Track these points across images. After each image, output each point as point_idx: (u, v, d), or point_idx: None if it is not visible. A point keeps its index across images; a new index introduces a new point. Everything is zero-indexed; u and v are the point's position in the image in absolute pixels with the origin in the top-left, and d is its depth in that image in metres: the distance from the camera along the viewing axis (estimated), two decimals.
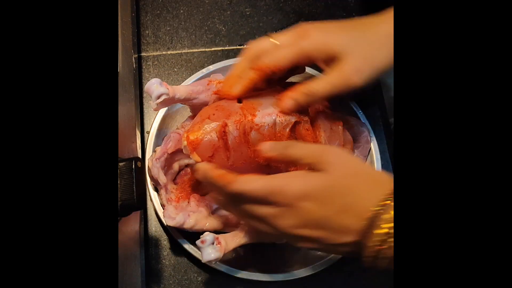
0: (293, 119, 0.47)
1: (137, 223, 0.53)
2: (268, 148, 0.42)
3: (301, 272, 0.52)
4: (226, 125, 0.46)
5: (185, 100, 0.51)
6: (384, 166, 0.58)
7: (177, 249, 0.54)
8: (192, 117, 0.54)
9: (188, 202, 0.51)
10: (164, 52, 0.66)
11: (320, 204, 0.37)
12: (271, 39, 0.47)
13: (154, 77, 0.63)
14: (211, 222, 0.50)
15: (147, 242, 0.55)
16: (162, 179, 0.51)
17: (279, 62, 0.45)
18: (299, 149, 0.40)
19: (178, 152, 0.52)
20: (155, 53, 0.66)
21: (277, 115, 0.47)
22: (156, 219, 0.56)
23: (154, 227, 0.56)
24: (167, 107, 0.57)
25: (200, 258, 0.47)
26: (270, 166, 0.48)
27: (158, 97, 0.47)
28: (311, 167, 0.39)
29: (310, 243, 0.39)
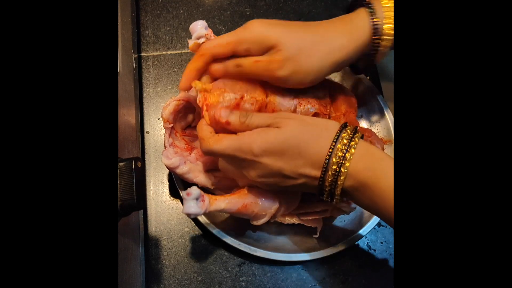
0: (312, 109, 0.49)
1: (137, 223, 0.53)
2: (224, 115, 0.46)
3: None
4: (243, 97, 0.47)
5: None
6: None
7: (178, 246, 0.55)
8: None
9: (190, 154, 0.53)
10: (164, 52, 0.66)
11: (277, 159, 0.44)
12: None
13: (154, 77, 0.64)
14: (203, 178, 0.51)
15: (147, 242, 0.55)
16: (170, 121, 0.52)
17: (217, 47, 0.48)
18: (256, 117, 0.46)
19: None
20: (155, 53, 0.66)
21: (298, 102, 0.48)
22: (156, 219, 0.56)
23: (154, 227, 0.56)
24: None
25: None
26: None
27: (199, 38, 0.49)
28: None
29: (271, 187, 0.48)
